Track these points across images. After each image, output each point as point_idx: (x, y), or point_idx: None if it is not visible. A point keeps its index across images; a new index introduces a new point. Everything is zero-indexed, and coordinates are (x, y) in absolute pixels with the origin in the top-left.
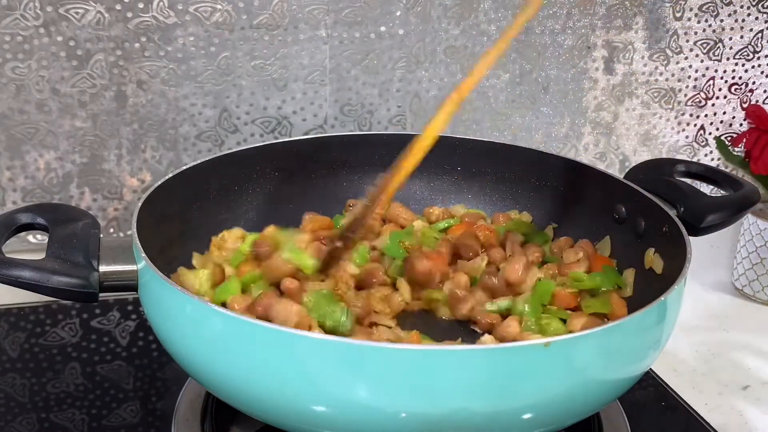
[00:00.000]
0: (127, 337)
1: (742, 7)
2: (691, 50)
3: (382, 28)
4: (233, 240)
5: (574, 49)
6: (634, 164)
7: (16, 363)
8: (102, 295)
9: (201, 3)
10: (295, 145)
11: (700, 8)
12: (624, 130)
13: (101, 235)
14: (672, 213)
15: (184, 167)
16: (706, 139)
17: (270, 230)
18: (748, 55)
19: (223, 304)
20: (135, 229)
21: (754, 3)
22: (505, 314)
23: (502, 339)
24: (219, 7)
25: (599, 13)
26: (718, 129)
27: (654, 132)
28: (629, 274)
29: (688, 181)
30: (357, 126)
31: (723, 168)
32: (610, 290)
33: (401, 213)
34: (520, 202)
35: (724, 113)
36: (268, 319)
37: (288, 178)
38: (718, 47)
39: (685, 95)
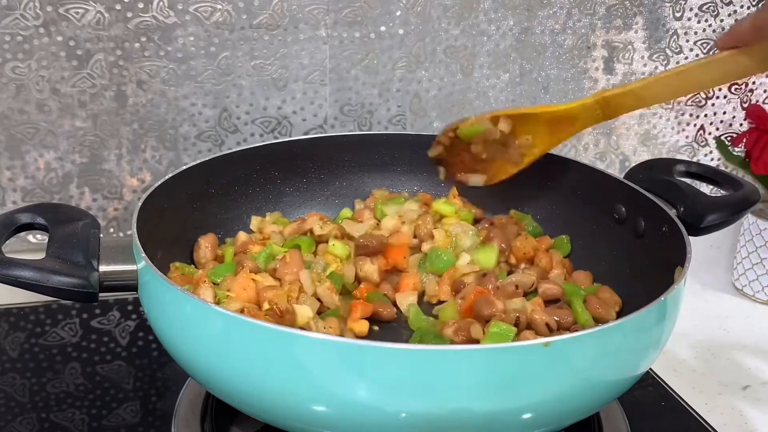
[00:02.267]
0: (127, 337)
1: (742, 7)
2: (691, 50)
3: (382, 28)
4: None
5: (574, 49)
6: (634, 164)
7: (16, 363)
8: (102, 295)
9: (201, 3)
10: (295, 145)
11: (700, 8)
12: (624, 130)
13: (101, 235)
14: (672, 213)
15: (184, 167)
16: (706, 139)
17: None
18: None
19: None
20: (135, 229)
21: (754, 3)
22: None
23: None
24: (219, 7)
25: (599, 13)
26: (718, 129)
27: (654, 132)
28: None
29: (688, 181)
30: (357, 126)
31: (723, 168)
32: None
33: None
34: (520, 202)
35: (724, 113)
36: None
37: (288, 178)
38: None
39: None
